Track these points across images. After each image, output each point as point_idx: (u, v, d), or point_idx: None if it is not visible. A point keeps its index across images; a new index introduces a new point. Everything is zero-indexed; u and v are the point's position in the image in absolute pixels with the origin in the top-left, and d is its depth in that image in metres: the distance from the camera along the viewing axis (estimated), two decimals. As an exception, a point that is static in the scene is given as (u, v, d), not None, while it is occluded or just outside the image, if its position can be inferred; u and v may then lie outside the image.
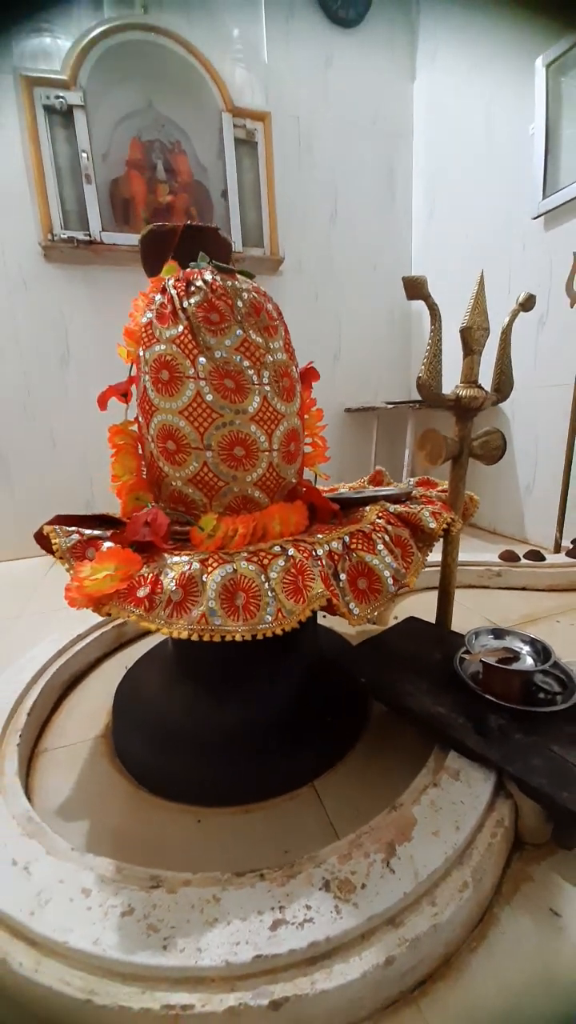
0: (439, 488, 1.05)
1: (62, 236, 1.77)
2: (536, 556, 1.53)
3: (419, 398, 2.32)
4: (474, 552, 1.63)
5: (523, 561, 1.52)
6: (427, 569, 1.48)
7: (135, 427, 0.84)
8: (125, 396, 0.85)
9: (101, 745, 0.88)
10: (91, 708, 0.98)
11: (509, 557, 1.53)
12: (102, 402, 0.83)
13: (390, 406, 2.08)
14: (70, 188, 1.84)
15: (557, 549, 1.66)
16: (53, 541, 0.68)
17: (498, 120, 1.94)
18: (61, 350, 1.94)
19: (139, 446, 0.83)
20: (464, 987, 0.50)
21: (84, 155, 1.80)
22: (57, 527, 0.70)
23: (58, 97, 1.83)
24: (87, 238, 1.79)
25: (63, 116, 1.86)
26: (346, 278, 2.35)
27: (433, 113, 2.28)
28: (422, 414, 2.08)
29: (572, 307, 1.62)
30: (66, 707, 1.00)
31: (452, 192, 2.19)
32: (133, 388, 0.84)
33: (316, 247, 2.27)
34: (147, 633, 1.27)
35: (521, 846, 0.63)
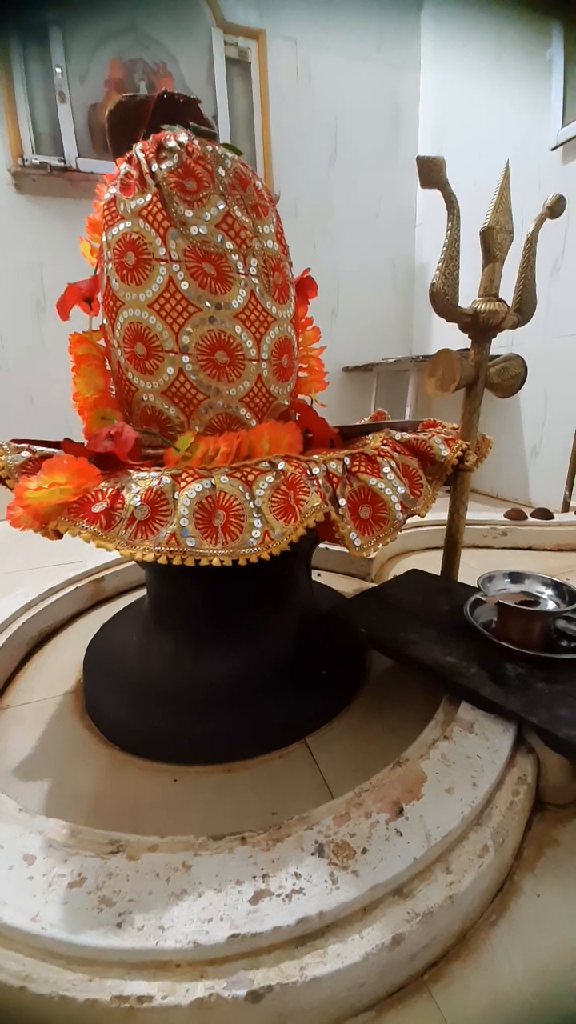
0: (448, 427, 0.95)
1: (33, 161, 1.61)
2: (544, 515, 1.44)
3: (421, 354, 2.20)
4: (477, 512, 1.54)
5: (530, 520, 1.43)
6: (428, 527, 1.40)
7: (102, 341, 0.72)
8: (90, 303, 0.73)
9: (71, 701, 0.79)
10: (62, 665, 0.89)
11: (516, 516, 1.44)
12: (63, 309, 0.71)
13: (390, 361, 1.95)
14: (43, 110, 1.66)
15: (566, 508, 1.57)
16: (-1, 458, 0.57)
17: (511, 47, 1.77)
18: (36, 294, 1.79)
19: (106, 361, 0.72)
20: (484, 967, 0.42)
21: (58, 70, 1.62)
22: (4, 444, 0.59)
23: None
24: (62, 164, 1.63)
25: (37, 31, 1.67)
26: (346, 226, 2.20)
27: (441, 43, 2.09)
28: (424, 374, 1.96)
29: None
30: (34, 663, 0.91)
31: (462, 127, 2.02)
32: (100, 295, 0.72)
33: (314, 189, 2.11)
34: (127, 590, 1.17)
35: (543, 807, 0.55)
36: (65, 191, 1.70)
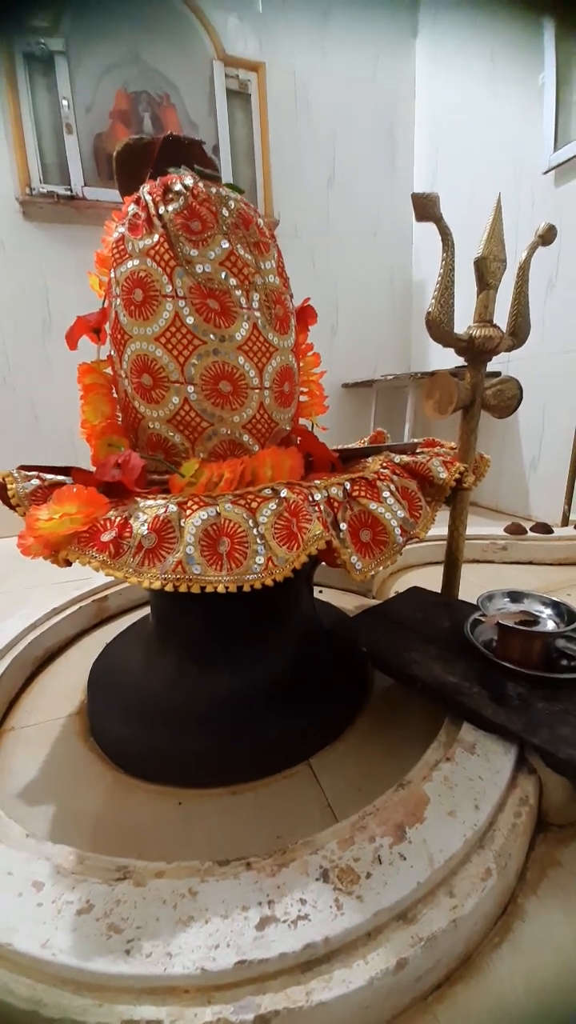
0: (447, 447, 0.97)
1: (41, 190, 1.66)
2: (544, 529, 1.45)
3: (420, 371, 2.23)
4: (477, 527, 1.55)
5: (530, 534, 1.44)
6: (429, 543, 1.42)
7: (109, 369, 0.74)
8: (98, 333, 0.75)
9: (75, 723, 0.80)
10: (66, 685, 0.90)
11: (515, 530, 1.45)
12: (71, 339, 0.74)
13: (389, 377, 1.98)
14: (50, 140, 1.72)
15: (565, 522, 1.59)
16: (9, 487, 0.59)
17: (504, 73, 1.83)
18: (42, 316, 1.83)
19: (113, 388, 0.74)
20: (487, 989, 0.42)
21: (65, 103, 1.68)
22: (14, 471, 0.61)
23: (39, 43, 1.70)
24: (68, 193, 1.68)
25: (43, 63, 1.73)
26: (344, 245, 2.24)
27: (436, 69, 2.16)
28: (421, 394, 1.99)
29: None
30: (39, 684, 0.92)
31: (456, 152, 2.08)
32: (107, 326, 0.74)
33: (313, 211, 2.16)
34: (130, 608, 1.18)
35: (546, 828, 0.56)
36: (71, 218, 1.75)
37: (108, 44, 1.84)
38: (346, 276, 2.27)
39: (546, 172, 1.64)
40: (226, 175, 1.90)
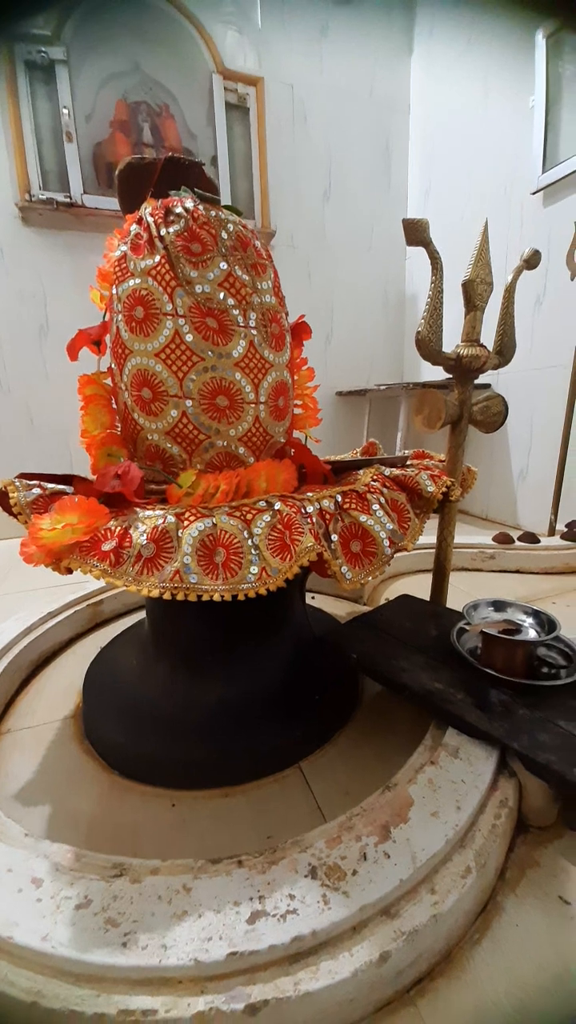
0: (436, 459, 1.00)
1: (40, 197, 1.68)
2: (531, 538, 1.49)
3: (412, 381, 2.27)
4: (466, 535, 1.59)
5: (517, 543, 1.48)
6: (419, 551, 1.45)
7: (109, 380, 0.76)
8: (99, 345, 0.77)
9: (70, 726, 0.81)
10: (61, 688, 0.91)
11: (503, 539, 1.48)
12: (72, 351, 0.76)
13: (382, 387, 2.02)
14: (50, 147, 1.74)
15: (552, 532, 1.62)
16: (11, 495, 0.61)
17: (496, 94, 1.89)
18: (40, 321, 1.85)
19: (112, 400, 0.76)
20: (467, 984, 0.45)
21: (65, 111, 1.70)
22: (16, 480, 0.63)
23: (40, 52, 1.73)
24: (67, 200, 1.70)
25: (44, 71, 1.76)
26: (339, 257, 2.29)
27: (430, 87, 2.22)
28: (412, 405, 2.03)
29: (573, 279, 1.58)
30: (34, 687, 0.93)
31: (449, 168, 2.13)
32: (108, 339, 0.76)
33: (309, 223, 2.20)
34: (124, 612, 1.20)
35: (525, 829, 0.58)
36: (70, 225, 1.77)
37: (109, 54, 1.86)
38: (341, 286, 2.31)
39: (535, 192, 1.69)
40: (224, 187, 1.93)
